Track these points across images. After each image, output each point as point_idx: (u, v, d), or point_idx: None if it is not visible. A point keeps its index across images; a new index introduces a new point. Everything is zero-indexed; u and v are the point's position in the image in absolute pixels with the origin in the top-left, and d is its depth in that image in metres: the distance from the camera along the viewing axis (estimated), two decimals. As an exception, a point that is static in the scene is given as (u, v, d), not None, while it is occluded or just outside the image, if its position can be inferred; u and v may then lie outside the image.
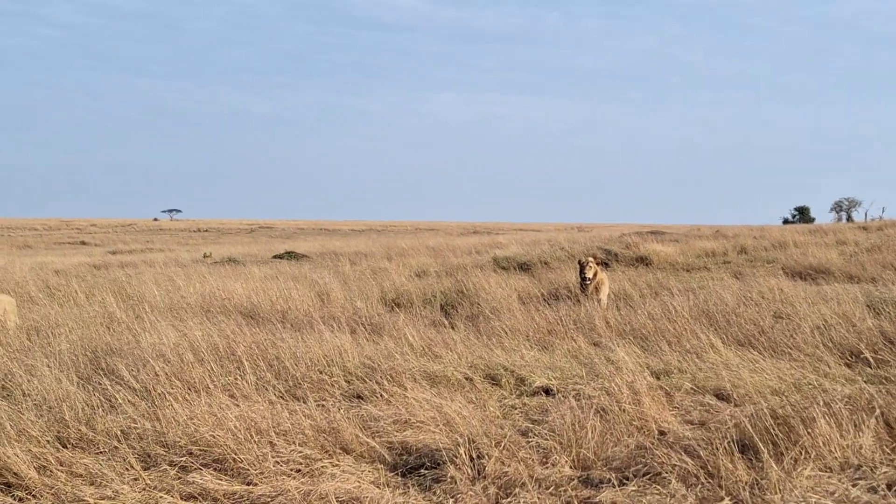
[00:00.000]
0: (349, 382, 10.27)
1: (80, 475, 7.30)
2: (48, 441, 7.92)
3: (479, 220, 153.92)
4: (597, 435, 7.75)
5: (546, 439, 7.82)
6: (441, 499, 6.95)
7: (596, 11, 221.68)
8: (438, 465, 7.49)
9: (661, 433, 8.27)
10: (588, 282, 16.55)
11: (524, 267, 25.22)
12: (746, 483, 6.93)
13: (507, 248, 32.23)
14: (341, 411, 8.63)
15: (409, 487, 7.21)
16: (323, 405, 8.93)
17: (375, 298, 17.30)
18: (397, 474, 7.51)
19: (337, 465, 7.46)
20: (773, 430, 7.54)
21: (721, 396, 9.50)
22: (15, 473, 7.20)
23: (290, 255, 34.37)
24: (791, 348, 11.28)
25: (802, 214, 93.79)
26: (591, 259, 16.94)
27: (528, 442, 7.88)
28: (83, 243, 67.16)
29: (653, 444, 7.80)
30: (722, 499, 6.73)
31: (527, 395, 9.90)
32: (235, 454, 7.49)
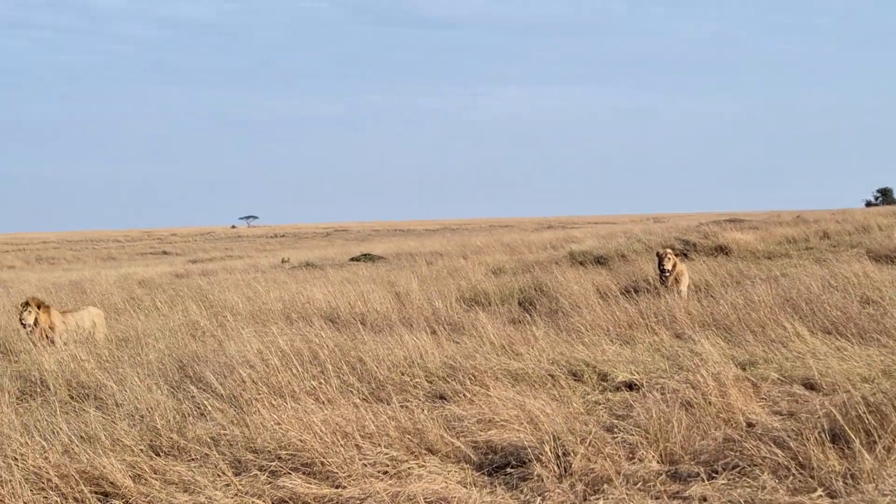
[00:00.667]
0: (431, 383, 10.30)
1: (174, 483, 7.43)
2: (142, 450, 8.06)
3: (552, 215, 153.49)
4: (683, 428, 7.69)
5: (632, 434, 7.78)
6: (528, 497, 6.96)
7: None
8: (524, 463, 7.50)
9: (749, 425, 8.18)
10: (667, 274, 16.39)
11: (601, 260, 25.05)
12: (839, 473, 6.83)
13: (583, 242, 32.06)
14: (425, 412, 8.66)
15: (495, 486, 7.22)
16: (406, 406, 8.97)
17: (453, 298, 17.31)
18: (483, 473, 7.53)
19: (423, 465, 7.50)
20: (865, 418, 7.41)
21: (809, 386, 9.36)
22: (111, 482, 7.35)
23: (367, 258, 34.56)
24: (880, 334, 11.07)
25: (886, 196, 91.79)
26: (668, 250, 16.78)
27: (614, 438, 7.85)
28: (165, 253, 68.28)
29: (741, 436, 7.71)
30: (814, 489, 6.64)
31: (610, 391, 9.85)
32: (323, 457, 7.56)
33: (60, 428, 8.54)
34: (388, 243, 55.48)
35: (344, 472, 7.39)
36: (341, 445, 7.74)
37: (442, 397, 9.78)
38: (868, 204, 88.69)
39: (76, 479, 7.37)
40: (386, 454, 7.67)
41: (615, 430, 8.11)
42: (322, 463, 7.53)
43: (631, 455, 7.53)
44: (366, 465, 7.50)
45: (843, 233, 28.54)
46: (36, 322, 14.32)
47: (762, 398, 9.03)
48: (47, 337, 14.14)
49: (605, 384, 10.09)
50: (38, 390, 11.33)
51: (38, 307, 14.47)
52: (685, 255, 22.30)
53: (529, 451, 7.54)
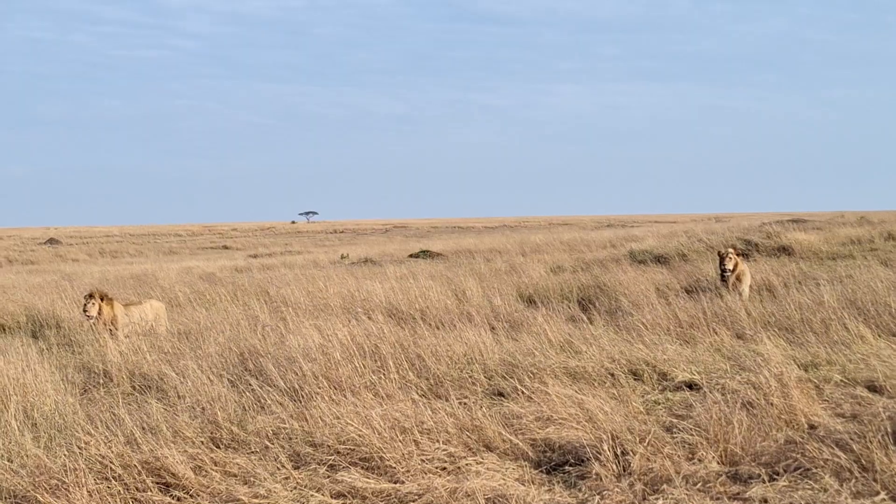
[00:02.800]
0: (490, 379, 10.31)
1: (234, 475, 7.52)
2: (202, 442, 8.16)
3: (612, 213, 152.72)
4: (744, 429, 7.62)
5: (692, 434, 7.73)
6: (587, 495, 6.94)
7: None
8: (582, 461, 7.48)
9: (811, 427, 8.09)
10: (728, 273, 16.25)
11: (661, 260, 24.90)
12: (903, 477, 6.73)
13: (643, 241, 31.87)
14: (483, 409, 8.67)
15: (553, 484, 7.21)
16: (465, 403, 8.99)
17: (512, 295, 17.32)
18: (542, 471, 7.52)
19: (481, 462, 7.51)
20: (930, 422, 7.29)
21: (873, 388, 9.23)
22: (173, 473, 7.44)
23: (425, 254, 34.65)
24: (945, 337, 10.89)
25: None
26: (730, 250, 16.64)
27: (674, 437, 7.80)
28: (225, 247, 68.90)
29: (803, 438, 7.63)
30: (877, 493, 6.55)
31: (670, 390, 9.79)
32: (381, 452, 7.61)
33: (123, 419, 8.68)
34: (446, 240, 55.56)
35: (402, 468, 7.43)
36: (400, 441, 7.77)
37: (500, 394, 9.80)
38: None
39: (138, 470, 7.48)
40: (444, 450, 7.69)
41: (675, 429, 8.07)
42: (380, 458, 7.57)
43: (691, 455, 7.48)
44: (424, 461, 7.53)
45: (909, 234, 28.08)
46: (99, 314, 14.55)
47: (824, 400, 8.93)
48: (110, 329, 14.35)
49: (664, 384, 10.03)
50: (102, 381, 11.53)
51: (102, 299, 14.71)
52: (746, 255, 22.09)
53: (588, 449, 7.52)
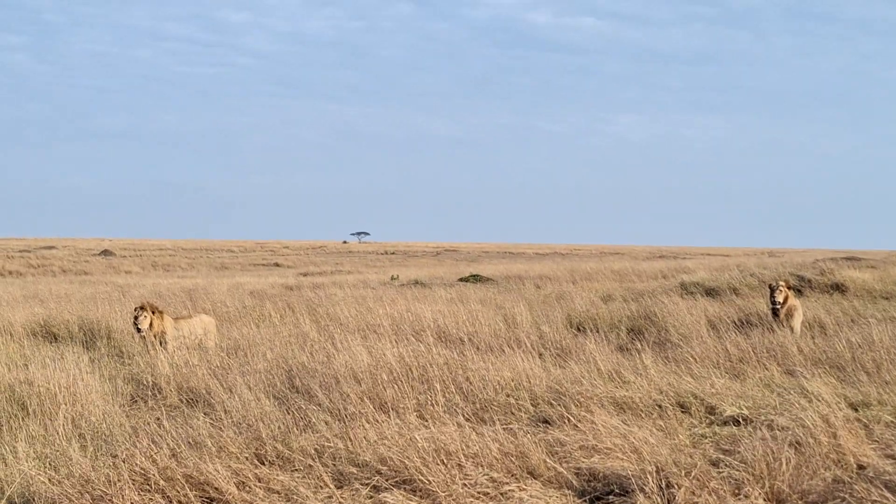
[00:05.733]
0: (536, 406, 10.30)
1: (277, 492, 7.56)
2: (247, 457, 8.21)
3: (664, 244, 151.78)
4: (791, 467, 7.54)
5: (738, 470, 7.66)
6: (630, 527, 6.90)
7: (787, 29, 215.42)
8: (627, 492, 7.44)
9: (860, 467, 7.99)
10: (779, 306, 16.09)
11: (712, 292, 24.72)
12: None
13: (695, 273, 31.64)
14: (528, 435, 8.65)
15: (596, 514, 7.18)
16: (510, 429, 8.98)
17: (561, 322, 17.29)
18: (585, 500, 7.50)
19: (524, 489, 7.49)
20: (983, 467, 7.18)
21: (924, 430, 9.09)
22: (216, 488, 7.50)
23: (475, 279, 34.67)
24: None
25: None
26: (781, 283, 16.48)
27: (719, 472, 7.73)
28: (276, 265, 69.40)
29: (851, 478, 7.54)
30: (926, 538, 6.46)
31: (717, 425, 9.71)
32: (424, 475, 7.61)
33: (168, 432, 8.77)
34: (496, 265, 55.58)
35: (444, 491, 7.43)
36: (443, 464, 7.77)
37: (546, 421, 9.77)
38: None
39: (181, 483, 7.54)
40: (487, 475, 7.68)
41: (721, 464, 8.00)
42: (423, 480, 7.57)
43: (737, 491, 7.41)
44: (466, 486, 7.53)
45: (966, 275, 27.63)
46: (150, 326, 14.70)
47: (874, 440, 8.80)
48: (160, 342, 14.50)
49: (712, 417, 9.95)
50: (150, 393, 11.65)
51: (153, 312, 14.86)
52: (798, 290, 21.87)
53: (633, 480, 7.48)
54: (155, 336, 14.62)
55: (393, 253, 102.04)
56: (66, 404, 10.06)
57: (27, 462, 8.21)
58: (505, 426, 9.11)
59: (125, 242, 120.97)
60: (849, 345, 12.97)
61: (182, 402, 11.23)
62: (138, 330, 14.74)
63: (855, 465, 8.04)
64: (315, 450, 8.45)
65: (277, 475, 7.80)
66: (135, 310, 15.18)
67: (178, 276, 48.74)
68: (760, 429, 8.72)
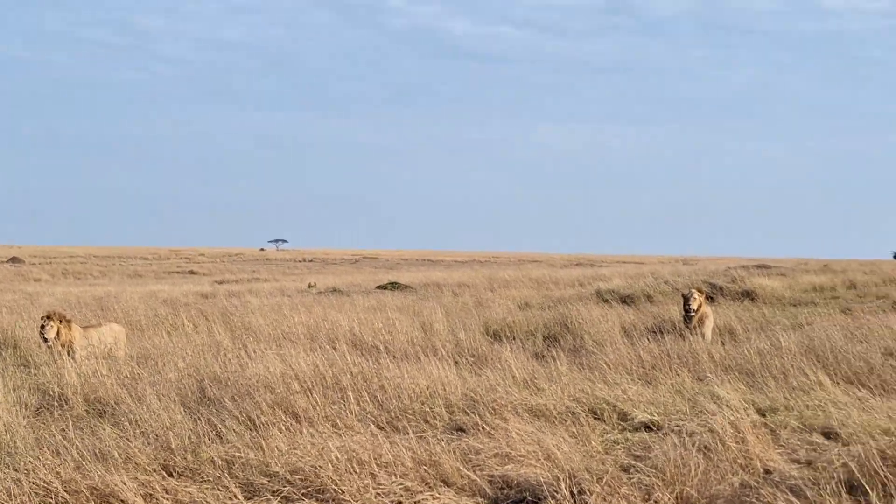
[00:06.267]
0: (451, 414, 10.31)
1: (185, 503, 7.47)
2: (154, 469, 8.08)
3: (582, 252, 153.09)
4: (700, 472, 7.66)
5: (648, 476, 7.75)
6: (541, 534, 6.94)
7: (702, 41, 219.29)
8: (539, 499, 7.49)
9: (767, 472, 8.15)
10: (693, 314, 16.34)
11: (627, 300, 25.04)
12: (854, 525, 6.79)
13: (611, 280, 32.00)
14: (442, 444, 8.66)
15: (509, 521, 7.21)
16: (424, 437, 8.99)
17: (478, 330, 17.33)
18: (498, 508, 7.52)
19: (437, 497, 7.50)
20: (882, 470, 7.37)
21: (829, 435, 9.31)
22: (122, 501, 7.38)
23: (394, 286, 34.64)
24: (902, 386, 11.01)
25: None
26: (694, 290, 16.75)
27: (630, 478, 7.83)
28: (192, 272, 68.55)
29: (758, 482, 7.68)
30: (829, 541, 6.60)
31: (629, 431, 9.83)
32: (336, 485, 7.58)
33: (74, 443, 8.61)
34: (415, 273, 55.57)
35: (357, 501, 7.40)
36: (356, 473, 7.75)
37: (460, 429, 9.79)
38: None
39: (86, 496, 7.41)
40: (400, 484, 7.68)
41: (632, 470, 8.09)
42: (335, 490, 7.54)
43: (647, 496, 7.50)
44: (379, 495, 7.51)
45: (870, 283, 28.43)
46: (57, 336, 14.37)
47: (781, 445, 8.99)
48: (68, 352, 14.18)
49: (624, 424, 10.07)
50: (57, 404, 11.41)
51: (60, 321, 14.52)
52: (711, 298, 22.25)
53: (545, 487, 7.53)
54: (63, 346, 14.28)
55: (311, 260, 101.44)
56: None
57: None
58: (419, 435, 9.12)
59: (35, 249, 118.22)
60: (758, 351, 13.21)
61: (89, 412, 11.01)
62: (45, 339, 14.36)
63: (762, 470, 8.19)
64: (225, 460, 8.36)
65: (186, 487, 7.70)
66: (41, 318, 14.80)
67: (90, 283, 47.93)
68: (671, 434, 8.84)
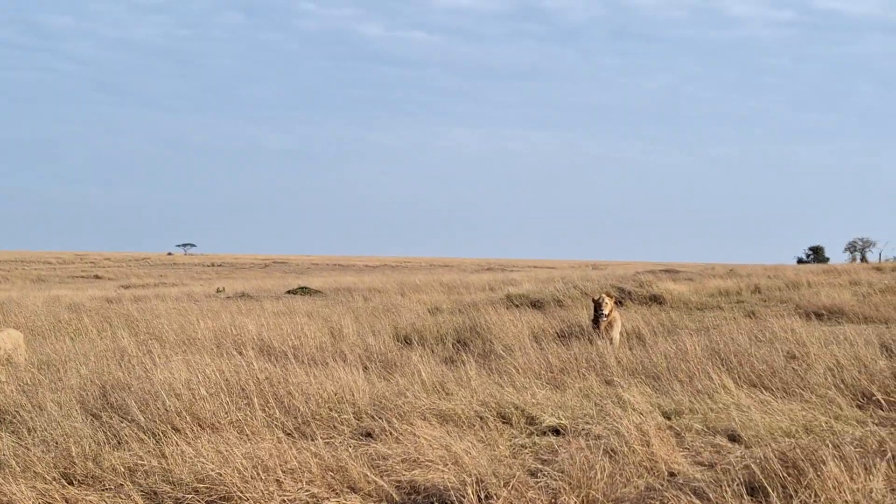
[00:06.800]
0: (359, 420, 10.25)
1: (85, 512, 7.30)
2: (54, 478, 7.91)
3: (493, 257, 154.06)
4: (606, 476, 7.71)
5: (555, 480, 7.79)
6: (448, 539, 6.92)
7: (611, 49, 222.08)
8: (446, 504, 7.47)
9: (671, 474, 8.25)
10: (604, 318, 16.51)
11: (537, 304, 25.20)
12: (756, 526, 6.89)
13: (521, 285, 32.21)
14: (350, 449, 8.61)
15: (415, 527, 7.18)
16: (331, 443, 8.92)
17: (388, 335, 17.28)
18: (405, 514, 7.49)
19: (344, 503, 7.45)
20: (782, 472, 7.50)
21: (732, 437, 9.46)
22: (20, 510, 7.20)
23: (304, 291, 34.42)
24: (803, 389, 11.23)
25: (817, 254, 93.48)
26: (606, 297, 16.92)
27: (537, 482, 7.85)
28: (97, 277, 67.46)
29: (662, 485, 7.77)
30: (731, 542, 6.69)
31: (537, 435, 9.87)
32: (241, 492, 7.48)
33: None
34: (326, 277, 55.35)
35: (263, 508, 7.31)
36: (261, 480, 7.65)
37: (369, 435, 9.74)
38: (800, 261, 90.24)
39: (-19, 506, 7.23)
40: (306, 491, 7.60)
41: (539, 474, 8.12)
42: (240, 497, 7.44)
43: (553, 500, 7.53)
44: (285, 501, 7.43)
45: (773, 288, 29.02)
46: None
47: (685, 448, 9.11)
48: None
49: (532, 428, 10.10)
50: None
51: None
52: (620, 302, 22.51)
53: (452, 492, 7.51)
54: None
55: (220, 265, 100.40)
56: None
57: None
58: (327, 440, 9.05)
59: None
60: (664, 355, 13.38)
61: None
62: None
63: (667, 473, 8.29)
64: (127, 468, 8.20)
65: (86, 495, 7.54)
66: None
67: (-8, 288, 46.71)
68: (578, 438, 8.91)
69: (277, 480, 7.72)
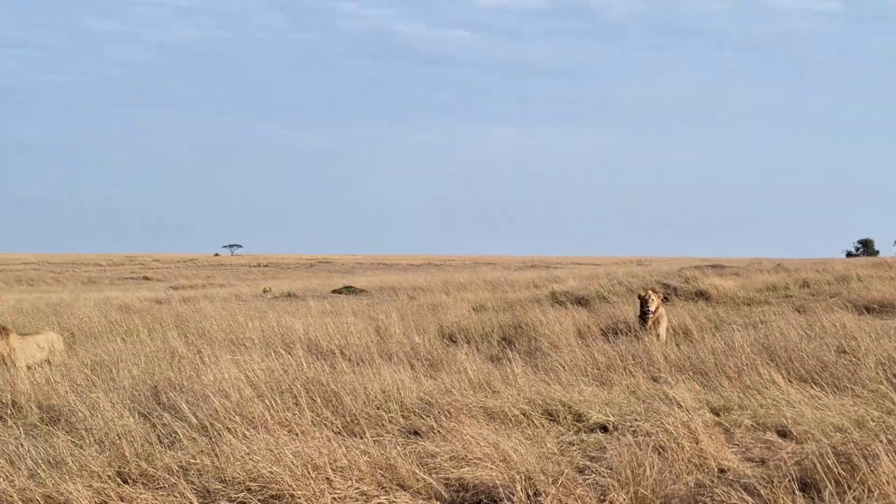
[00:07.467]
0: (406, 418, 10.29)
1: (140, 510, 7.38)
2: (109, 476, 8.01)
3: (537, 254, 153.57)
4: (655, 472, 7.68)
5: (604, 477, 7.77)
6: (498, 536, 6.93)
7: (650, 45, 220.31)
8: (495, 501, 7.49)
9: (721, 471, 8.20)
10: (650, 315, 16.43)
11: (582, 301, 25.11)
12: (808, 522, 6.83)
13: (565, 282, 32.11)
14: (398, 447, 8.63)
15: (465, 524, 7.19)
16: (379, 441, 8.95)
17: (433, 333, 17.31)
18: (454, 511, 7.50)
19: (394, 501, 7.48)
20: (835, 467, 7.43)
21: (782, 433, 9.39)
22: (76, 509, 7.29)
23: (349, 290, 34.56)
24: (854, 384, 11.13)
25: (866, 247, 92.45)
26: (651, 292, 16.84)
27: (586, 479, 7.84)
28: (146, 278, 68.11)
29: (712, 482, 7.73)
30: (783, 538, 6.64)
31: (584, 432, 9.85)
32: (293, 490, 7.53)
33: (28, 451, 8.49)
34: (371, 277, 55.52)
35: (314, 505, 7.36)
36: (312, 478, 7.70)
37: (416, 433, 9.77)
38: (849, 255, 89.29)
39: (40, 504, 7.32)
40: (356, 488, 7.64)
41: (587, 471, 8.11)
42: (291, 495, 7.49)
43: (602, 497, 7.51)
44: (335, 499, 7.47)
45: (822, 282, 28.70)
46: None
47: (735, 444, 9.06)
48: (5, 361, 13.98)
49: (579, 425, 10.08)
50: (9, 412, 11.26)
51: (-3, 331, 14.33)
52: (665, 298, 22.38)
53: (501, 489, 7.52)
54: (2, 356, 14.07)
55: (266, 265, 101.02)
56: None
57: None
58: (375, 438, 9.08)
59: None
60: (712, 351, 13.29)
61: (43, 420, 10.87)
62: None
63: (716, 469, 8.24)
64: (180, 466, 8.28)
65: (141, 493, 7.63)
66: None
67: (43, 290, 47.42)
68: (626, 435, 8.87)
69: (327, 478, 7.76)
